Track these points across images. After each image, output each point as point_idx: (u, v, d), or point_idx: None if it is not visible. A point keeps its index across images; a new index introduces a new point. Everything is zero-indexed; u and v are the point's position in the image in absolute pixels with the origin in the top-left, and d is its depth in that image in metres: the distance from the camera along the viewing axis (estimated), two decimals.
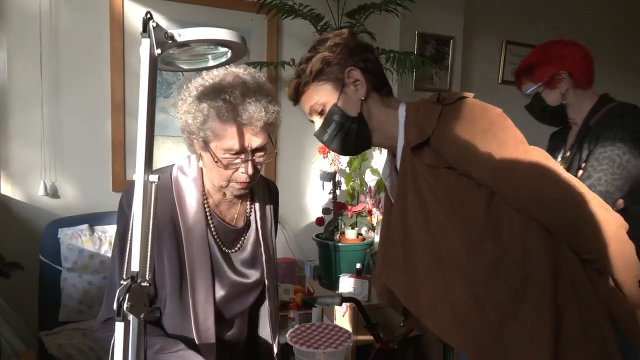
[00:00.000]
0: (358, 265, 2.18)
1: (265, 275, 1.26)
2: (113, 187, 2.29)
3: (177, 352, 1.06)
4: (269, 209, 1.29)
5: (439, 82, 2.99)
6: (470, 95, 1.01)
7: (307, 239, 2.66)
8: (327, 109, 1.08)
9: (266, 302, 1.28)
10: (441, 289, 0.94)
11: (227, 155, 1.07)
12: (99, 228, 1.94)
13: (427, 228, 0.97)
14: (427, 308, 0.96)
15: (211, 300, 1.15)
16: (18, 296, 1.92)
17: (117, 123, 2.29)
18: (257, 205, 1.26)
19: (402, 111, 1.07)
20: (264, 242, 1.26)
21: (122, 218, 1.13)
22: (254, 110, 1.05)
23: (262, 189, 1.29)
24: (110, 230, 1.94)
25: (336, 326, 1.19)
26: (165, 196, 1.14)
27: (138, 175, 0.68)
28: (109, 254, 1.85)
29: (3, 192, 2.11)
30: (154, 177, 0.69)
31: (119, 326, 0.65)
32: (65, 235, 1.83)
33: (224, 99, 1.04)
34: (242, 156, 1.08)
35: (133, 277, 0.66)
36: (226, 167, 1.08)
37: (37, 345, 1.75)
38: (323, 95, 1.08)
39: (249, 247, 1.25)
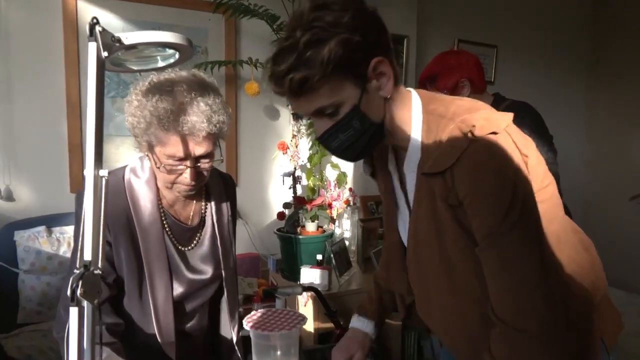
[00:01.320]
0: (319, 257, 2.25)
1: (222, 269, 1.31)
2: (71, 188, 2.27)
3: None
4: (225, 204, 1.33)
5: None
6: (507, 125, 0.85)
7: (269, 233, 2.71)
8: (344, 111, 0.86)
9: (225, 295, 1.33)
10: (457, 314, 0.94)
11: (170, 161, 1.07)
12: (56, 229, 1.93)
13: (440, 264, 0.92)
14: (441, 329, 1.02)
15: (170, 298, 1.19)
16: None
17: (73, 124, 2.27)
18: (212, 202, 1.29)
19: (416, 105, 0.93)
20: (221, 237, 1.30)
21: (78, 215, 1.16)
22: (196, 121, 1.03)
23: (218, 184, 1.32)
24: (68, 231, 1.93)
25: (290, 310, 1.25)
26: (119, 199, 1.15)
27: (88, 171, 0.73)
28: (68, 254, 1.85)
29: None
30: (103, 172, 0.73)
31: (74, 311, 0.69)
32: (22, 237, 1.82)
33: (165, 108, 1.02)
34: (187, 162, 1.08)
35: (86, 266, 0.71)
36: (169, 172, 1.09)
37: None
38: (340, 94, 0.85)
39: (205, 242, 1.29)
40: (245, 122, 2.64)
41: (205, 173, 1.14)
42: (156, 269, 1.17)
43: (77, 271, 0.70)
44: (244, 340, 1.36)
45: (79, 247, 0.73)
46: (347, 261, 2.48)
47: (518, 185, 0.81)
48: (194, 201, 1.27)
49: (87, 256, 0.71)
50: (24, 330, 1.73)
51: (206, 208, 1.29)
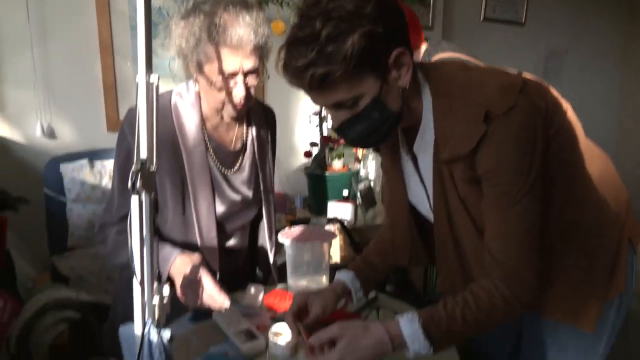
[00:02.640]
0: (345, 193, 2.34)
1: (262, 192, 1.38)
2: (107, 127, 2.38)
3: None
4: (265, 131, 1.39)
5: (421, 20, 3.04)
6: (521, 84, 0.86)
7: (295, 173, 2.80)
8: (364, 103, 0.86)
9: (264, 218, 1.41)
10: None
11: (221, 78, 1.13)
12: (98, 163, 2.05)
13: (476, 231, 0.96)
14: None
15: (213, 215, 1.28)
16: (28, 228, 2.05)
17: (106, 64, 2.34)
18: (253, 128, 1.35)
19: (425, 87, 0.93)
20: (261, 163, 1.37)
21: (124, 144, 1.22)
22: (243, 33, 1.09)
23: (258, 113, 1.38)
24: (109, 165, 2.05)
25: (322, 228, 1.33)
26: (166, 121, 1.22)
27: (140, 77, 0.79)
28: (110, 186, 1.97)
29: (1, 134, 2.20)
30: (154, 78, 0.80)
31: (134, 199, 0.78)
32: (67, 169, 1.94)
33: (212, 22, 1.08)
34: (235, 79, 1.14)
35: (143, 163, 0.78)
36: (220, 89, 1.14)
37: (50, 269, 1.90)
38: (360, 87, 0.84)
39: (247, 167, 1.36)
40: (272, 61, 2.66)
41: (252, 91, 1.19)
42: (199, 187, 1.25)
43: (134, 167, 0.78)
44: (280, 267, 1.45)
45: (135, 148, 0.80)
46: (372, 199, 2.55)
47: (535, 156, 0.86)
48: (237, 126, 1.33)
49: (143, 154, 0.79)
50: (74, 253, 1.88)
51: (247, 134, 1.35)
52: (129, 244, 0.80)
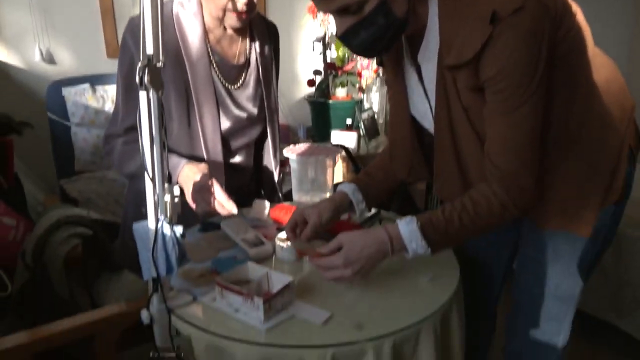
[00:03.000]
0: (348, 121, 2.33)
1: (265, 109, 1.38)
2: (107, 53, 2.33)
3: None
4: (268, 47, 1.36)
5: None
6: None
7: (298, 104, 2.78)
8: (369, 8, 0.86)
9: (269, 136, 1.42)
10: None
11: None
12: (100, 88, 2.03)
13: (477, 140, 0.96)
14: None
15: (218, 129, 1.28)
16: (34, 152, 2.07)
17: None
18: (257, 43, 1.33)
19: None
20: (265, 79, 1.36)
21: (127, 54, 1.21)
22: None
23: (261, 28, 1.35)
24: (111, 90, 2.03)
25: (327, 145, 1.35)
26: (168, 31, 1.20)
27: None
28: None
29: (0, 59, 2.16)
30: None
31: (143, 95, 0.78)
32: (69, 93, 1.93)
33: None
34: None
35: (149, 59, 0.78)
36: None
37: (59, 192, 1.94)
38: None
39: (251, 83, 1.35)
40: None
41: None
42: (204, 100, 1.25)
43: (140, 63, 0.78)
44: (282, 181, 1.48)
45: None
46: (375, 130, 2.55)
47: (541, 59, 0.84)
48: (240, 40, 1.31)
49: (149, 50, 0.78)
50: (82, 176, 1.91)
51: (251, 48, 1.33)
52: (140, 144, 0.81)
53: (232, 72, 1.31)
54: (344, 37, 0.91)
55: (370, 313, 0.89)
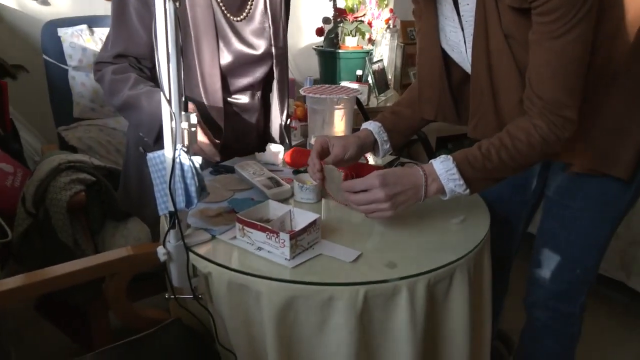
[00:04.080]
0: (358, 72, 2.23)
1: (273, 46, 1.29)
2: None
3: (145, 88, 1.13)
4: None
5: None
6: None
7: (304, 56, 2.65)
8: None
9: (275, 77, 1.32)
10: None
11: None
12: (98, 30, 1.91)
13: (517, 72, 0.89)
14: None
15: (217, 64, 1.19)
16: (30, 98, 1.97)
17: None
18: None
19: None
20: (273, 14, 1.26)
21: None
22: None
23: None
24: None
25: (344, 86, 1.26)
26: None
27: None
28: None
29: None
30: None
31: (159, 4, 0.69)
32: (66, 34, 1.81)
33: None
34: None
35: None
36: None
37: (57, 140, 1.85)
38: None
39: (257, 16, 1.25)
40: None
41: None
42: (202, 31, 1.15)
43: None
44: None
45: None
46: (385, 83, 2.46)
47: None
48: None
49: None
50: (81, 124, 1.82)
51: None
52: (156, 64, 0.73)
53: (236, 2, 1.21)
54: None
55: (401, 253, 0.84)
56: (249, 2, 1.24)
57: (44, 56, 1.81)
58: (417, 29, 1.10)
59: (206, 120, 1.22)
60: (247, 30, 1.25)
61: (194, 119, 0.79)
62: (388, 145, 1.11)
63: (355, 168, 1.07)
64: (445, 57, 1.05)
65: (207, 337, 0.96)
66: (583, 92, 0.87)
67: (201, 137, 1.11)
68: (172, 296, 0.87)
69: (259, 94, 1.36)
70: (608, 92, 0.92)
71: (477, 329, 0.91)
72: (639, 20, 0.88)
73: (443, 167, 0.86)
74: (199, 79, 1.19)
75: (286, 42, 1.35)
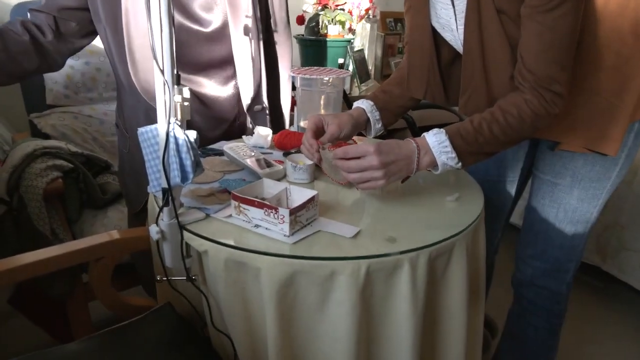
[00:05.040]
0: (340, 61, 2.22)
1: (228, 15, 1.15)
2: None
3: None
4: None
5: None
6: None
7: None
8: None
9: (235, 57, 1.20)
10: None
11: None
12: None
13: (508, 48, 0.90)
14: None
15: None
16: None
17: None
18: None
19: None
20: None
21: None
22: None
23: None
24: None
25: (333, 68, 1.25)
26: None
27: None
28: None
29: None
30: None
31: None
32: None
33: None
34: None
35: None
36: None
37: (28, 128, 1.77)
38: None
39: None
40: None
41: None
42: (132, 3, 1.09)
43: None
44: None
45: None
46: (366, 72, 2.46)
47: None
48: None
49: None
50: (55, 111, 1.74)
51: None
52: (149, 29, 0.70)
53: None
54: None
55: (400, 229, 0.83)
56: None
57: None
58: (406, 8, 1.10)
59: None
60: (196, 3, 1.15)
61: (186, 92, 0.76)
62: (380, 125, 1.10)
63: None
64: (435, 36, 1.05)
65: (198, 322, 0.94)
66: (573, 70, 0.88)
67: None
68: (165, 278, 0.84)
69: (227, 76, 1.25)
70: (595, 70, 0.94)
71: (473, 304, 0.91)
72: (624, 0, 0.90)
73: (436, 139, 0.87)
74: (127, 56, 1.12)
75: (264, 15, 1.24)
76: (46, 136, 1.70)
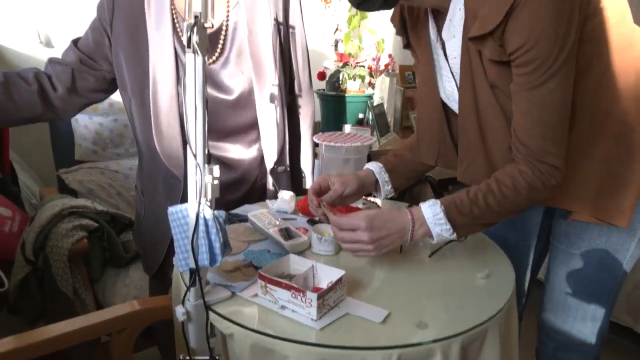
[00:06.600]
0: (360, 115, 2.25)
1: (254, 83, 1.17)
2: None
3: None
4: (263, 6, 1.17)
5: None
6: None
7: None
8: None
9: (259, 120, 1.21)
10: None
11: None
12: None
13: (504, 119, 0.91)
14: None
15: (175, 111, 1.14)
16: (31, 140, 1.94)
17: None
18: (241, 6, 1.15)
19: None
20: (253, 47, 1.16)
21: (101, 12, 1.17)
22: None
23: None
24: None
25: (357, 134, 1.26)
26: (135, 4, 1.12)
27: None
28: (118, 98, 1.85)
29: None
30: None
31: (190, 57, 0.68)
32: None
33: None
34: None
35: (196, 17, 0.68)
36: None
37: (57, 183, 1.81)
38: None
39: (231, 57, 1.17)
40: None
41: None
42: (160, 75, 1.12)
43: (187, 22, 0.68)
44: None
45: (189, 4, 0.69)
46: (386, 125, 2.48)
47: (571, 29, 0.79)
48: (218, 2, 1.14)
49: (197, 8, 0.69)
50: (82, 166, 1.79)
51: (230, 12, 1.16)
52: (185, 116, 0.71)
53: None
54: None
55: (430, 311, 0.80)
56: (220, 40, 1.15)
57: None
58: (417, 80, 1.12)
59: (166, 177, 1.19)
60: (223, 73, 1.17)
61: (217, 171, 0.77)
62: (390, 187, 1.12)
63: (350, 212, 1.07)
64: (445, 105, 1.06)
65: None
66: (574, 139, 0.89)
67: None
68: (188, 357, 0.82)
69: (250, 139, 1.27)
70: (599, 139, 0.93)
71: None
72: (623, 69, 0.90)
73: (431, 211, 0.87)
74: (152, 121, 1.14)
75: (287, 80, 1.26)
76: (73, 191, 1.73)
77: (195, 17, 0.68)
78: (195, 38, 0.67)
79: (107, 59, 1.19)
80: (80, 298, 1.34)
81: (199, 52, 0.68)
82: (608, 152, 0.93)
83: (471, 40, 0.85)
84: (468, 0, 0.86)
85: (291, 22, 1.25)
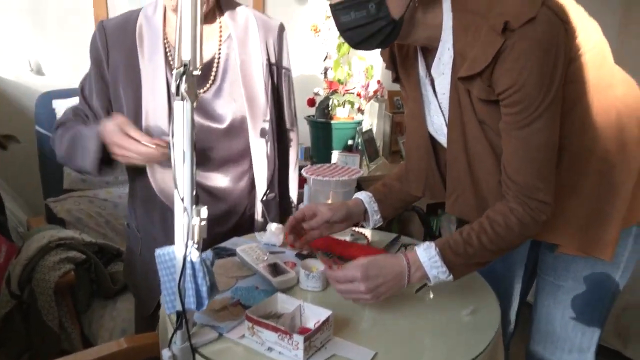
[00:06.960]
0: (350, 142, 2.28)
1: (247, 113, 1.19)
2: None
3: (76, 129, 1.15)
4: (258, 44, 1.20)
5: None
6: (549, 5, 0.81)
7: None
8: None
9: (252, 150, 1.22)
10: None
11: None
12: None
13: (492, 154, 0.93)
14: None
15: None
16: (19, 169, 1.93)
17: None
18: (233, 40, 1.18)
19: (447, 9, 0.90)
20: (246, 78, 1.18)
21: (95, 52, 1.17)
22: None
23: (251, 27, 1.21)
24: None
25: (345, 166, 1.28)
26: (127, 39, 1.14)
27: None
28: None
29: None
30: None
31: (178, 105, 0.70)
32: (60, 105, 1.81)
33: None
34: None
35: (185, 65, 0.70)
36: None
37: (44, 212, 1.80)
38: None
39: (224, 87, 1.18)
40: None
41: None
42: (153, 106, 1.14)
43: (176, 70, 0.70)
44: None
45: (176, 49, 0.71)
46: (375, 150, 2.51)
47: (556, 72, 0.82)
48: (207, 35, 1.16)
49: (185, 56, 0.70)
50: (71, 195, 1.79)
51: (222, 45, 1.19)
52: (172, 158, 0.72)
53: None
54: (335, 8, 0.88)
55: (417, 352, 0.81)
56: (212, 72, 1.17)
57: (37, 127, 1.80)
58: (405, 112, 1.15)
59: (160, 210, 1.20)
60: (215, 103, 1.18)
61: (204, 212, 0.78)
62: (378, 216, 1.13)
63: (343, 247, 1.10)
64: (433, 138, 1.08)
65: None
66: (560, 175, 0.91)
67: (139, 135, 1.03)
68: None
69: (240, 170, 1.27)
70: (583, 176, 0.96)
71: None
72: (604, 109, 0.93)
73: (426, 254, 0.89)
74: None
75: (278, 114, 1.29)
76: (61, 221, 1.72)
77: (185, 65, 0.70)
78: (184, 86, 0.68)
79: (108, 99, 1.20)
80: (66, 331, 1.33)
81: (188, 99, 0.70)
82: (592, 188, 0.95)
83: (460, 80, 0.88)
84: (457, 40, 0.88)
85: (284, 64, 1.29)
